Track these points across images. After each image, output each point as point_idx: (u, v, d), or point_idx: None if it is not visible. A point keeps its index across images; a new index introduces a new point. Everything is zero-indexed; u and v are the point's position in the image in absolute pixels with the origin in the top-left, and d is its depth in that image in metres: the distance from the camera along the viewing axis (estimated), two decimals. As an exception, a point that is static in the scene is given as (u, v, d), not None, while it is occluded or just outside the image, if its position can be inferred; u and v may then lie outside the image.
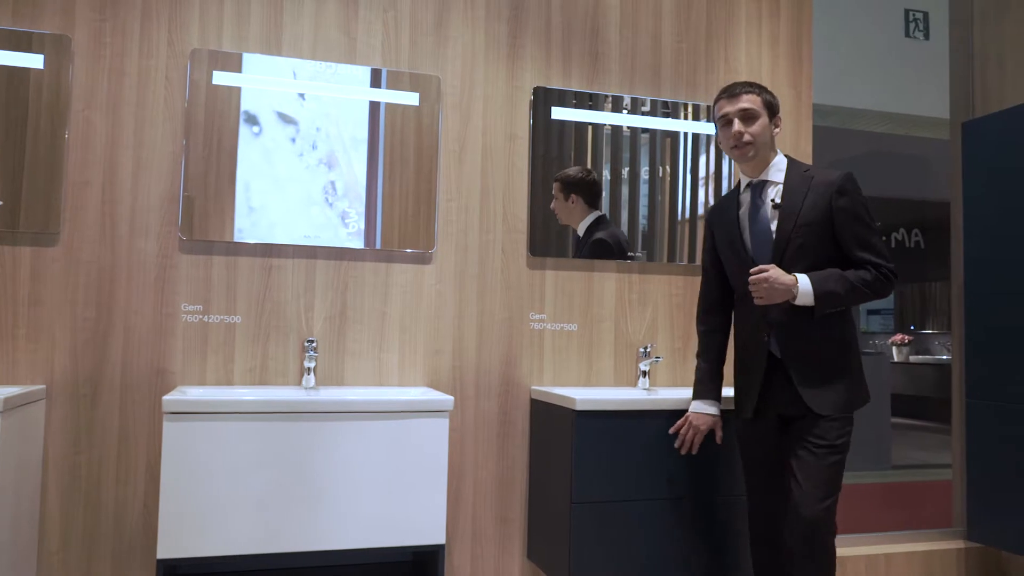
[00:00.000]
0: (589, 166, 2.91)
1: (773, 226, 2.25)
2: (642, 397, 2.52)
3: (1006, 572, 3.39)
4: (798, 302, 2.16)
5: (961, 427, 3.51)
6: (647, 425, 2.49)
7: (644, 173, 2.97)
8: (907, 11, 3.87)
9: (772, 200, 2.26)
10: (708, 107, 3.05)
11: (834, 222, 2.21)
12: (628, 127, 2.96)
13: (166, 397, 2.16)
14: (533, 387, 2.80)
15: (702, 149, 3.05)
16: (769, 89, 2.35)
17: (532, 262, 2.85)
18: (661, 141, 3.00)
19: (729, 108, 2.31)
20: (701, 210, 3.03)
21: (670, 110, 3.01)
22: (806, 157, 3.18)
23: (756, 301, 2.20)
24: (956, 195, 3.57)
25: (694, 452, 2.47)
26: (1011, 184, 3.15)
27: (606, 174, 2.93)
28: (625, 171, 2.95)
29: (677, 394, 2.67)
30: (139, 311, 2.49)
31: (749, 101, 2.29)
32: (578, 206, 2.90)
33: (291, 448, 2.22)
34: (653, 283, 2.97)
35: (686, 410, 2.49)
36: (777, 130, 2.33)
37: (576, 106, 2.91)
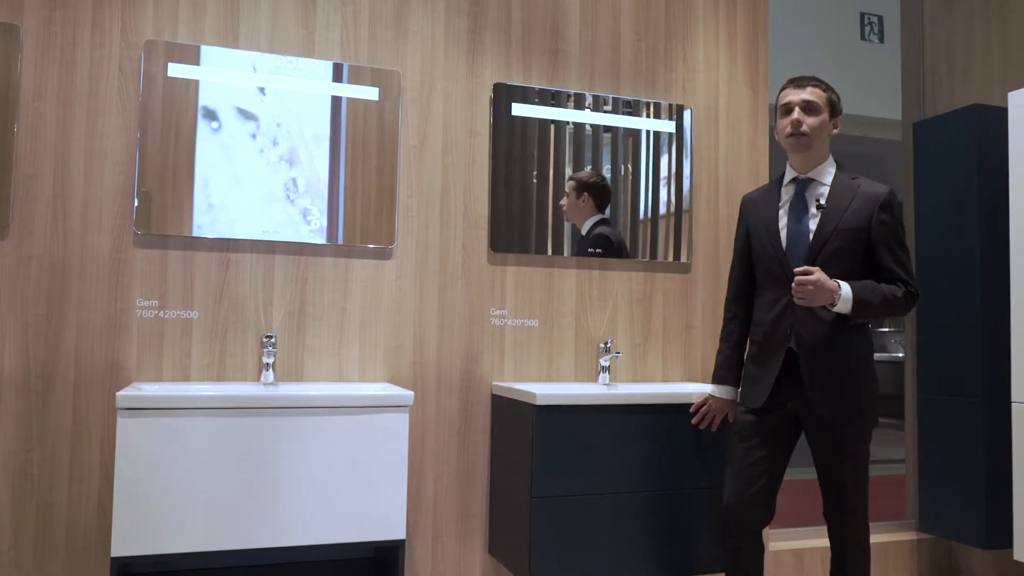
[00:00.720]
0: (551, 163, 2.92)
1: (812, 225, 2.26)
2: (603, 392, 2.53)
3: (956, 562, 3.48)
4: (836, 308, 2.16)
5: (914, 422, 3.59)
6: (607, 420, 2.51)
7: (606, 171, 2.99)
8: (862, 15, 3.95)
9: (817, 200, 2.27)
10: (669, 105, 3.09)
11: (872, 233, 2.23)
12: (590, 125, 2.98)
13: (120, 393, 2.12)
14: (494, 382, 2.81)
15: (663, 148, 3.08)
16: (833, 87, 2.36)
17: (493, 258, 2.85)
18: (623, 139, 3.02)
19: (793, 97, 2.30)
20: (663, 209, 3.06)
21: (632, 108, 3.04)
22: (763, 157, 3.23)
23: (797, 301, 2.17)
24: (908, 195, 3.66)
25: (713, 430, 2.59)
26: (961, 184, 3.23)
27: (568, 172, 2.95)
28: (587, 169, 2.97)
29: (637, 389, 2.69)
30: (92, 306, 2.44)
31: (813, 94, 2.29)
32: (588, 206, 2.95)
33: (249, 444, 2.19)
34: (613, 279, 2.99)
35: (647, 405, 2.53)
36: (836, 131, 2.34)
37: (538, 103, 2.92)
